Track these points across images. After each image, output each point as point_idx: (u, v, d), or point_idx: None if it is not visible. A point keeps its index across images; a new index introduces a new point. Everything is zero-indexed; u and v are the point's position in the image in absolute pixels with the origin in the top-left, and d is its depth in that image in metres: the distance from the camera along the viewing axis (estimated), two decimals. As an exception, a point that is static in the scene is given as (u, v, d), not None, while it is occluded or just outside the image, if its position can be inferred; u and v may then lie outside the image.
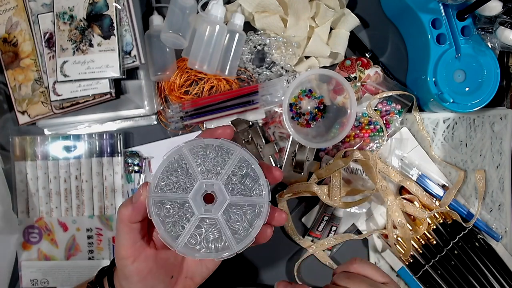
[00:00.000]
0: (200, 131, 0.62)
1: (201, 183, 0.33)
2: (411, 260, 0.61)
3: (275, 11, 0.59)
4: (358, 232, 0.63)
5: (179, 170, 0.33)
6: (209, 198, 0.34)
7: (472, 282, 0.59)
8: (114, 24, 0.58)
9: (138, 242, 0.36)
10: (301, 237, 0.62)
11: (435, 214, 0.61)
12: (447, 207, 0.60)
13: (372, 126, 0.61)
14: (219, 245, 0.33)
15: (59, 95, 0.59)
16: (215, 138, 0.34)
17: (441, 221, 0.61)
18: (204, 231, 0.33)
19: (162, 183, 0.33)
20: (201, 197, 0.33)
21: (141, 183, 0.62)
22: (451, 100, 0.55)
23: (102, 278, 0.42)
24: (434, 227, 0.61)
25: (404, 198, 0.60)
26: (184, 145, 0.33)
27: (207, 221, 0.33)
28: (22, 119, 0.61)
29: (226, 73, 0.60)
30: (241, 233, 0.33)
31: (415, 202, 0.60)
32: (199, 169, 0.33)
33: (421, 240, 0.61)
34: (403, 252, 0.60)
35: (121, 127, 0.63)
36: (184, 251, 0.33)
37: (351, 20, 0.61)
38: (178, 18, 0.57)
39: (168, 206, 0.33)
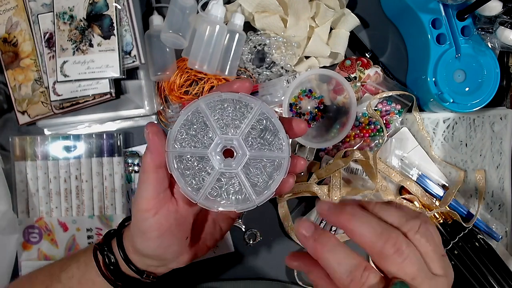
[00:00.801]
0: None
1: (220, 138, 0.32)
2: (411, 260, 0.61)
3: (275, 11, 0.59)
4: (358, 232, 0.63)
5: (197, 125, 0.32)
6: (228, 152, 0.33)
7: (472, 282, 0.59)
8: (114, 24, 0.58)
9: (161, 194, 0.35)
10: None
11: (435, 214, 0.61)
12: (447, 207, 0.60)
13: (372, 126, 0.61)
14: (240, 197, 0.33)
15: (59, 95, 0.59)
16: (233, 92, 0.33)
17: (441, 221, 0.61)
18: (224, 184, 0.33)
19: (180, 137, 0.33)
20: (220, 152, 0.33)
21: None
22: (451, 100, 0.56)
23: (109, 240, 0.41)
24: (434, 227, 0.61)
25: (404, 198, 0.60)
26: (201, 100, 0.32)
27: (227, 175, 0.32)
28: (22, 119, 0.61)
29: (226, 73, 0.60)
30: (261, 185, 0.33)
31: (415, 202, 0.60)
32: (217, 124, 0.32)
33: (421, 240, 0.61)
34: (403, 252, 0.60)
35: (121, 127, 0.63)
36: (205, 203, 0.33)
37: (351, 20, 0.61)
38: (178, 18, 0.57)
39: (187, 159, 0.33)
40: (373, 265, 0.29)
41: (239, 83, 0.34)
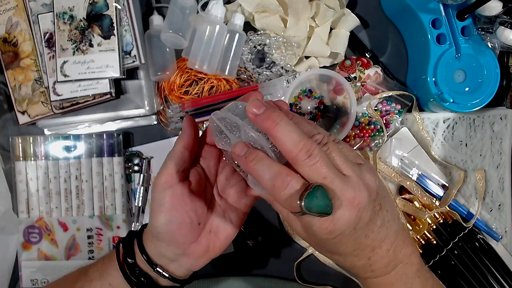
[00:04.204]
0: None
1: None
2: (411, 260, 0.61)
3: (275, 11, 0.59)
4: (358, 232, 0.63)
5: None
6: None
7: (472, 282, 0.59)
8: (114, 24, 0.58)
9: (180, 172, 0.39)
10: (301, 237, 0.62)
11: (435, 214, 0.61)
12: (447, 207, 0.60)
13: (372, 126, 0.61)
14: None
15: (59, 95, 0.59)
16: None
17: (441, 221, 0.61)
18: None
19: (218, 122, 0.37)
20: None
21: (141, 183, 0.62)
22: (451, 100, 0.55)
23: (132, 236, 0.43)
24: (434, 227, 0.61)
25: (404, 198, 0.60)
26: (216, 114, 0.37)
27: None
28: (22, 119, 0.61)
29: (226, 73, 0.60)
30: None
31: (415, 202, 0.60)
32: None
33: (421, 240, 0.61)
34: (403, 252, 0.60)
35: (121, 127, 0.63)
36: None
37: (351, 20, 0.61)
38: (178, 18, 0.57)
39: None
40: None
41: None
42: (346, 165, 0.33)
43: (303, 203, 0.30)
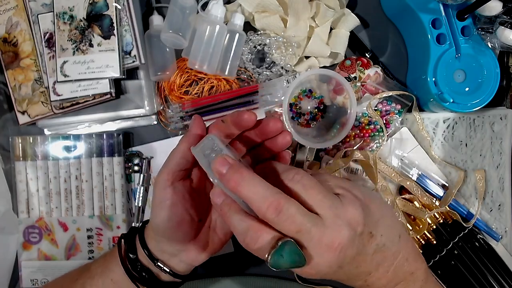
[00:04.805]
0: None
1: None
2: (411, 260, 0.61)
3: (275, 11, 0.59)
4: (358, 232, 0.63)
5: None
6: None
7: (472, 282, 0.59)
8: (114, 24, 0.58)
9: (181, 170, 0.39)
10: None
11: (435, 214, 0.61)
12: (447, 207, 0.60)
13: (372, 126, 0.61)
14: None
15: (59, 95, 0.59)
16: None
17: (441, 221, 0.61)
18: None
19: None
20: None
21: (141, 183, 0.62)
22: (451, 100, 0.55)
23: (134, 233, 0.44)
24: (434, 227, 0.61)
25: (404, 198, 0.60)
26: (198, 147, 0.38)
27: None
28: (22, 119, 0.61)
29: (226, 73, 0.60)
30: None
31: (415, 202, 0.60)
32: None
33: (421, 240, 0.61)
34: (403, 252, 0.60)
35: (121, 127, 0.63)
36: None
37: (351, 20, 0.61)
38: (178, 18, 0.57)
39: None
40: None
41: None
42: (321, 204, 0.31)
43: (269, 261, 0.30)
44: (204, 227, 0.43)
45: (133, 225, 0.63)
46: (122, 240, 0.44)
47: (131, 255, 0.42)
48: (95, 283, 0.43)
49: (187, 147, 0.39)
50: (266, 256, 0.30)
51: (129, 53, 0.59)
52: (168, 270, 0.42)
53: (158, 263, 0.42)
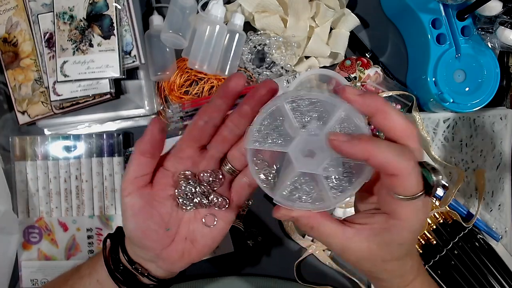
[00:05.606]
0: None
1: (302, 137, 0.31)
2: (411, 260, 0.61)
3: (275, 11, 0.59)
4: (358, 232, 0.63)
5: (277, 122, 0.32)
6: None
7: (472, 282, 0.59)
8: (114, 24, 0.58)
9: (138, 177, 0.38)
10: (301, 236, 0.62)
11: (435, 214, 0.61)
12: (447, 207, 0.60)
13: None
14: (314, 196, 0.32)
15: (59, 95, 0.59)
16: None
17: (441, 221, 0.61)
18: (301, 183, 0.32)
19: (258, 135, 0.32)
20: (300, 151, 0.31)
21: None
22: (451, 100, 0.55)
23: (120, 234, 0.43)
24: (434, 227, 0.61)
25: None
26: (283, 97, 0.31)
27: (306, 174, 0.31)
28: (22, 119, 0.61)
29: (226, 73, 0.60)
30: (339, 188, 0.31)
31: (415, 202, 0.60)
32: (297, 124, 0.31)
33: (421, 240, 0.61)
34: (403, 252, 0.60)
35: (121, 127, 0.63)
36: (281, 201, 0.32)
37: (351, 20, 0.61)
38: (178, 18, 0.57)
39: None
40: None
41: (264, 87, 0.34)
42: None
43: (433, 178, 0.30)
44: (178, 236, 0.40)
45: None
46: (108, 240, 0.43)
47: (114, 256, 0.41)
48: (83, 284, 0.42)
49: (140, 154, 0.37)
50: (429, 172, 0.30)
51: (129, 53, 0.59)
52: (146, 274, 0.41)
53: (136, 266, 0.41)
